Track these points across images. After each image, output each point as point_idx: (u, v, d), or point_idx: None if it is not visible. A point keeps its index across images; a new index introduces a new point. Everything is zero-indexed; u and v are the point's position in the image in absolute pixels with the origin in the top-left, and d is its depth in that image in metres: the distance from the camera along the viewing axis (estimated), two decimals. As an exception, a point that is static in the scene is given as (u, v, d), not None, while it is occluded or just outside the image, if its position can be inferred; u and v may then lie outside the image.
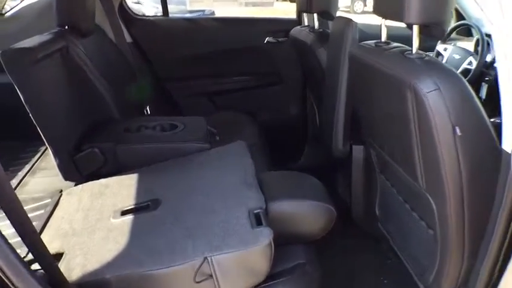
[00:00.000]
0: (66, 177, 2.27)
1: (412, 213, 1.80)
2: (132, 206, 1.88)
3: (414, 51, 1.54)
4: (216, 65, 3.22)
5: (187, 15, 5.58)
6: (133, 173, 2.14)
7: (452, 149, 1.41)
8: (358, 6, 14.56)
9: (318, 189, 1.93)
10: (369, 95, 1.91)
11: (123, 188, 2.04)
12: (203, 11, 6.58)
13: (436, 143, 1.42)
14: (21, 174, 2.68)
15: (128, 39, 3.09)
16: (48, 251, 1.45)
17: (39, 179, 2.56)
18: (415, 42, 1.53)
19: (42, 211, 2.10)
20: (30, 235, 1.39)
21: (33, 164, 2.75)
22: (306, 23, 2.90)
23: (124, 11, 3.08)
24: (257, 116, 3.18)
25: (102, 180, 2.15)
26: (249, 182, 1.84)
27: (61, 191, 2.25)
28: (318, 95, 2.71)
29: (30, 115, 2.13)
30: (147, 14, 3.55)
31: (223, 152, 2.15)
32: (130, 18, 3.11)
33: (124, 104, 2.69)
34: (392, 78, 1.56)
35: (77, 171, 2.25)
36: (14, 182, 2.59)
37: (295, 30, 2.82)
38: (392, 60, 1.60)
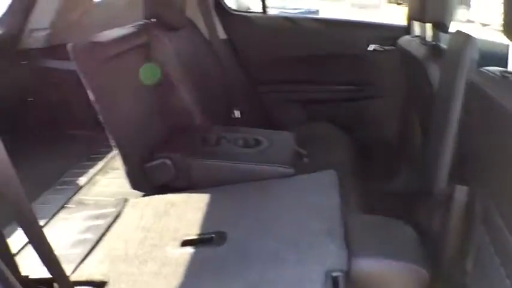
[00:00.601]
0: (135, 186, 2.06)
1: (505, 280, 1.42)
2: (195, 236, 1.63)
3: None
4: (313, 71, 2.90)
5: (290, 11, 5.27)
6: (204, 192, 1.90)
7: None
8: (462, 13, 13.29)
9: (412, 246, 1.59)
10: (486, 132, 1.54)
11: (189, 210, 1.81)
12: (307, 9, 6.23)
13: None
14: (92, 171, 2.53)
15: (222, 35, 2.85)
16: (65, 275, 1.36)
17: (110, 180, 2.39)
18: None
19: (102, 221, 1.92)
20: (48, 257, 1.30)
21: (107, 162, 2.60)
22: (417, 33, 2.51)
23: (219, 4, 2.83)
24: (351, 130, 2.82)
25: (170, 196, 1.94)
26: (332, 231, 1.52)
27: (126, 200, 2.06)
28: (424, 117, 2.32)
29: (99, 116, 1.95)
30: (251, 8, 3.28)
31: (308, 183, 1.84)
32: (225, 13, 2.86)
33: (209, 107, 2.45)
34: None
35: (146, 181, 2.04)
36: (83, 180, 2.45)
37: (404, 40, 2.44)
38: None
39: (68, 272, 1.54)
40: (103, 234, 1.79)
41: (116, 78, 1.98)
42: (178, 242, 1.61)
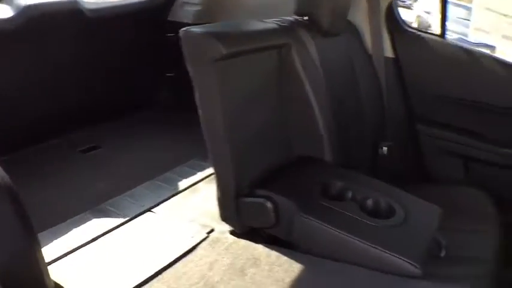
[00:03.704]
0: (224, 218, 1.67)
1: None
2: None
3: None
4: (487, 123, 2.18)
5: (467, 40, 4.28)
6: (299, 259, 1.45)
7: None
8: None
9: None
10: None
11: (271, 279, 1.36)
12: (483, 42, 5.06)
13: None
14: (200, 175, 2.21)
15: (388, 53, 2.28)
16: None
17: (210, 193, 2.03)
18: None
19: (169, 250, 1.58)
20: None
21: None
22: None
23: (391, 14, 2.25)
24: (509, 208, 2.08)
25: (256, 248, 1.53)
26: None
27: (211, 231, 1.68)
28: None
29: (201, 123, 1.58)
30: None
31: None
32: (396, 27, 2.27)
33: (349, 135, 1.96)
34: None
35: (238, 217, 1.62)
36: (185, 182, 2.14)
37: None
38: None
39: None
40: (158, 272, 1.47)
41: (233, 81, 1.58)
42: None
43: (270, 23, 1.78)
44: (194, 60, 1.52)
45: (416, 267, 1.33)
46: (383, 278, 1.34)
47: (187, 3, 2.72)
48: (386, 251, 1.36)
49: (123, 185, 2.09)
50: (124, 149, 2.47)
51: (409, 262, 1.34)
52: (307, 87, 1.79)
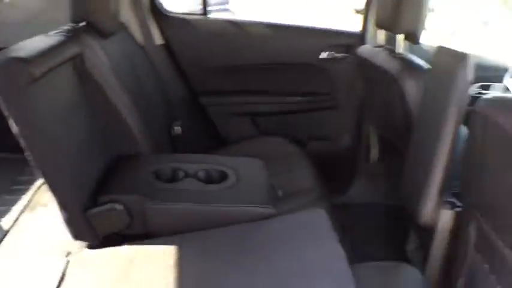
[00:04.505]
0: (77, 237, 1.67)
1: None
2: None
3: None
4: (261, 80, 2.58)
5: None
6: (169, 242, 1.54)
7: None
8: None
9: None
10: (490, 159, 1.34)
11: (155, 269, 1.45)
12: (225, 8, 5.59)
13: None
14: (16, 209, 2.10)
15: (158, 40, 2.47)
16: None
17: (40, 220, 1.97)
18: None
19: None
20: None
21: (34, 195, 2.16)
22: (380, 41, 2.27)
23: (154, 5, 2.44)
24: (303, 144, 2.58)
25: (125, 250, 1.56)
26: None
27: (68, 254, 1.67)
28: (391, 134, 2.12)
29: (26, 151, 1.53)
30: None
31: (297, 227, 1.55)
32: (161, 16, 2.47)
33: (151, 125, 2.09)
34: None
35: (91, 230, 1.65)
36: (6, 222, 2.01)
37: (365, 50, 2.17)
38: None
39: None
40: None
41: (44, 102, 1.55)
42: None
43: (58, 36, 1.76)
44: (4, 89, 1.45)
45: (270, 208, 1.60)
46: (249, 227, 1.55)
47: None
48: (240, 205, 1.60)
49: None
50: None
51: (263, 207, 1.60)
52: (107, 90, 1.85)
